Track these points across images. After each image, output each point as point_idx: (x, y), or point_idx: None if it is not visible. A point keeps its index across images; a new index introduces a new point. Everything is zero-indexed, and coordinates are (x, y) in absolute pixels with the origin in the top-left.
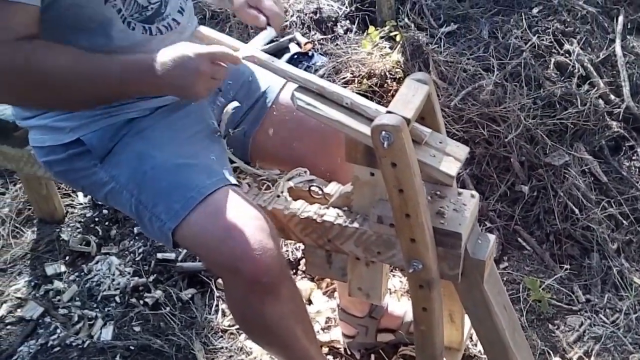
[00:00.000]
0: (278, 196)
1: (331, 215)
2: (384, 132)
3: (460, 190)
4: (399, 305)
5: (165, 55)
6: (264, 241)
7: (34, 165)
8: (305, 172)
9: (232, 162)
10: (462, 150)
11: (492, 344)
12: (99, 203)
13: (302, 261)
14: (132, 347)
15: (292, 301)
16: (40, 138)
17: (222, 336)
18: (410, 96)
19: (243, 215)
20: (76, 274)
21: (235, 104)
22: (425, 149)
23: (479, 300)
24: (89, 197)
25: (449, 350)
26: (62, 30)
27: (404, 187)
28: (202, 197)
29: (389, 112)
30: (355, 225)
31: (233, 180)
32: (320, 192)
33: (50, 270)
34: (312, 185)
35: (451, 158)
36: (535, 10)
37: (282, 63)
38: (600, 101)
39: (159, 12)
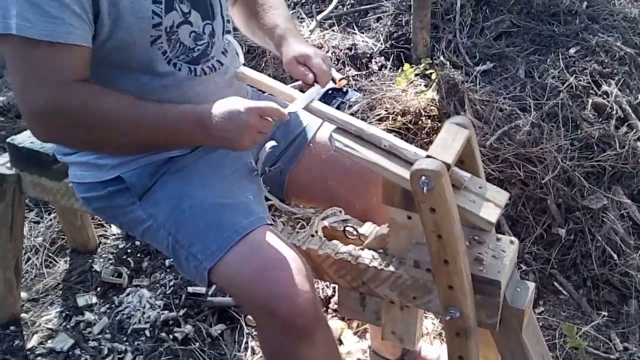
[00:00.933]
0: (312, 235)
1: (366, 257)
2: (423, 177)
3: (499, 235)
4: (432, 349)
5: (217, 109)
6: (300, 283)
7: (70, 199)
8: (340, 211)
9: (267, 199)
10: (503, 196)
11: None
12: (132, 234)
13: (333, 299)
14: None
15: (325, 345)
16: (81, 174)
17: None
18: (450, 140)
19: (279, 256)
20: (107, 305)
21: (272, 143)
22: (464, 194)
23: (517, 349)
24: None
25: None
26: (108, 68)
27: (443, 233)
28: (238, 237)
29: (428, 156)
30: (391, 268)
31: (269, 220)
32: (355, 232)
33: (81, 301)
34: (347, 226)
35: (491, 204)
36: (572, 51)
37: (321, 104)
38: (639, 144)
39: (205, 54)
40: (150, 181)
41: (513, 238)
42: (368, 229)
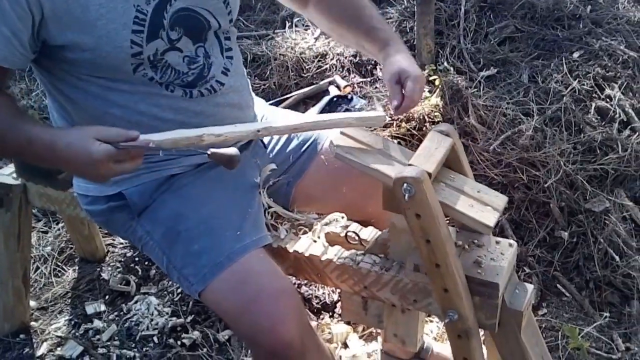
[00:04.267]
0: (315, 241)
1: (368, 262)
2: (405, 185)
3: (498, 239)
4: (444, 346)
5: (73, 147)
6: (286, 315)
7: (76, 208)
8: (342, 217)
9: (270, 207)
10: (501, 200)
11: None
12: None
13: (339, 304)
14: None
15: None
16: (85, 187)
17: None
18: (433, 149)
19: (267, 287)
20: (115, 313)
21: (272, 166)
22: (464, 199)
23: (516, 350)
24: None
25: None
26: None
27: (430, 237)
28: (230, 262)
29: (410, 164)
30: (392, 273)
31: (266, 241)
32: (356, 238)
33: (90, 309)
34: (349, 231)
35: (489, 208)
36: (575, 55)
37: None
38: None
39: (202, 76)
40: (150, 199)
41: (512, 241)
42: (369, 234)
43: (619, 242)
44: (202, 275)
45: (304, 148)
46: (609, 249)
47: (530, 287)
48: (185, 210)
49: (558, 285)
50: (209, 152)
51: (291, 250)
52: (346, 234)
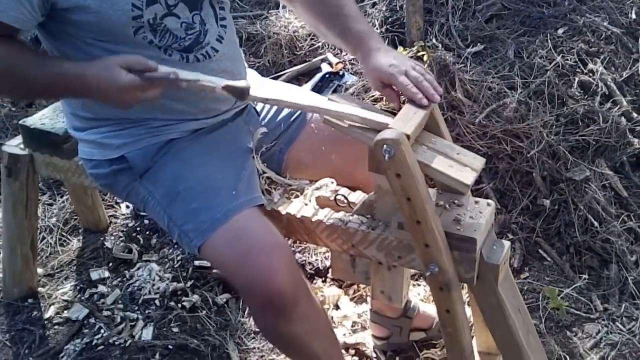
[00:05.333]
0: (306, 204)
1: (355, 222)
2: (385, 146)
3: (477, 199)
4: (430, 306)
5: (99, 74)
6: (279, 266)
7: (80, 176)
8: (332, 182)
9: (264, 173)
10: (479, 162)
11: (507, 345)
12: (141, 214)
13: (331, 269)
14: (170, 347)
15: (306, 320)
16: (89, 151)
17: (254, 337)
18: (412, 114)
19: (261, 241)
20: (119, 279)
21: (263, 129)
22: (444, 160)
23: (493, 302)
24: (131, 208)
25: (487, 355)
26: (101, 50)
27: (411, 195)
28: (226, 219)
29: (389, 127)
30: (378, 231)
31: (259, 201)
32: (345, 200)
33: (94, 275)
34: (338, 195)
35: (468, 168)
36: (560, 31)
37: (289, 97)
38: (622, 119)
39: (198, 42)
40: (151, 161)
41: (490, 201)
42: (357, 197)
43: (599, 209)
44: (201, 230)
45: (294, 117)
46: (589, 215)
47: (506, 243)
48: (184, 171)
49: (540, 251)
50: (223, 85)
51: (284, 213)
52: (335, 197)
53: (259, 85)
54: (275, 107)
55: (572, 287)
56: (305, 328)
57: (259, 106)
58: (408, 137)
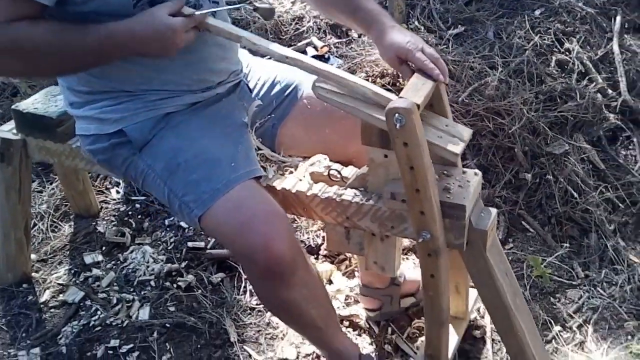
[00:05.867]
0: (300, 180)
1: (349, 194)
2: (397, 114)
3: (465, 169)
4: (415, 271)
5: (141, 28)
6: (278, 234)
7: (75, 159)
8: (325, 158)
9: (259, 149)
10: (466, 132)
11: (496, 307)
12: (132, 198)
13: (323, 246)
14: (167, 325)
15: (304, 287)
16: (86, 127)
17: (250, 313)
18: (420, 85)
19: (260, 210)
20: (113, 262)
21: (258, 102)
22: (433, 131)
23: (482, 267)
24: (121, 192)
25: (455, 319)
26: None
27: (415, 164)
28: (226, 189)
29: (400, 97)
30: (371, 202)
31: (257, 172)
32: (338, 175)
33: (88, 259)
34: (331, 170)
35: (456, 139)
36: (537, 12)
37: (301, 56)
38: (598, 95)
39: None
40: (149, 134)
41: (477, 171)
42: (350, 171)
43: (578, 181)
44: (202, 201)
45: (286, 93)
46: (568, 187)
47: (493, 210)
48: (183, 144)
49: (523, 222)
50: (254, 5)
51: (279, 188)
52: (329, 172)
53: (254, 63)
54: (267, 84)
55: (554, 255)
56: (303, 294)
57: (251, 83)
58: (418, 106)
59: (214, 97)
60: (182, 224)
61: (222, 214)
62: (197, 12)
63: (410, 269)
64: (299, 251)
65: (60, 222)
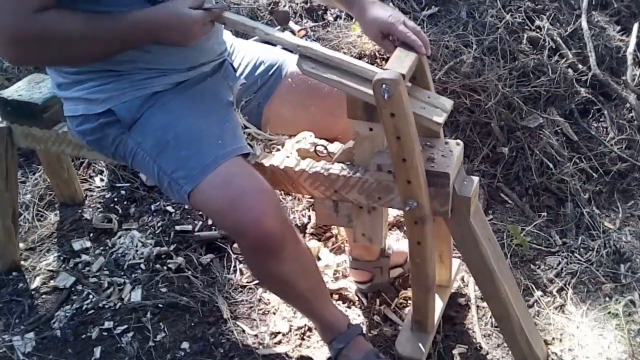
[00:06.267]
0: (287, 157)
1: (336, 168)
2: (384, 85)
3: (447, 140)
4: (401, 244)
5: (165, 18)
6: (267, 209)
7: (61, 144)
8: (311, 135)
9: (246, 127)
10: (448, 103)
11: (480, 272)
12: (116, 185)
13: (309, 225)
14: (160, 305)
15: (294, 260)
16: (74, 108)
17: (241, 291)
18: (404, 57)
19: (249, 186)
20: (101, 248)
21: (242, 80)
22: (416, 102)
23: (466, 233)
24: (106, 180)
25: (439, 287)
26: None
27: (401, 134)
28: (215, 165)
29: (385, 69)
30: (358, 175)
31: (245, 150)
32: (325, 151)
33: (77, 245)
34: (318, 146)
35: (438, 110)
36: None
37: (287, 35)
38: (569, 70)
39: None
40: (138, 113)
41: (459, 141)
42: (336, 147)
43: (553, 153)
44: (192, 176)
45: (270, 72)
46: (544, 159)
47: (475, 178)
48: (172, 121)
49: (502, 194)
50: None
51: (267, 165)
52: (315, 148)
53: (237, 44)
54: (252, 64)
55: (533, 224)
56: (293, 267)
57: (235, 62)
58: (404, 77)
59: (200, 76)
60: (169, 208)
61: (212, 189)
62: (216, 7)
63: (396, 242)
64: (288, 226)
65: (45, 211)
